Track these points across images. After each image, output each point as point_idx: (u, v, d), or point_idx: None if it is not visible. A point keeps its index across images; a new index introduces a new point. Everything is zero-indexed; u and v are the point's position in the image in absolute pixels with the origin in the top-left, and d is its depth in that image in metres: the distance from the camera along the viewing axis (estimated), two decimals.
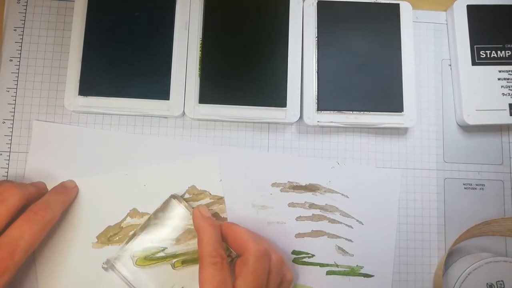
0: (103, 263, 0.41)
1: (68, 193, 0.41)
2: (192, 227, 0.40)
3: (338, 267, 0.43)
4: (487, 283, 0.41)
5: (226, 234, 0.38)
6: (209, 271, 0.34)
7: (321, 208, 0.44)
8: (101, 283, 0.42)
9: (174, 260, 0.41)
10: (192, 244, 0.42)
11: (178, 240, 0.41)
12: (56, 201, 0.39)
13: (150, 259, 0.41)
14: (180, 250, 0.41)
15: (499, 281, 0.41)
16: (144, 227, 0.41)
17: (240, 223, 0.43)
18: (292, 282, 0.39)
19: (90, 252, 0.42)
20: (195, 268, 0.40)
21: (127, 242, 0.41)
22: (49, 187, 0.42)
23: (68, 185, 0.42)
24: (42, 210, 0.36)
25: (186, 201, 0.43)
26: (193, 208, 0.41)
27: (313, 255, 0.43)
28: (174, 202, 0.41)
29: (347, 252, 0.43)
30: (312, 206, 0.44)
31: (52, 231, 0.42)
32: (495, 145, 0.46)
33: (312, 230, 0.44)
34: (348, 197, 0.44)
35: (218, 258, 0.35)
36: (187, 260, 0.41)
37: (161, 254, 0.41)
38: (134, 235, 0.41)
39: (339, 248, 0.43)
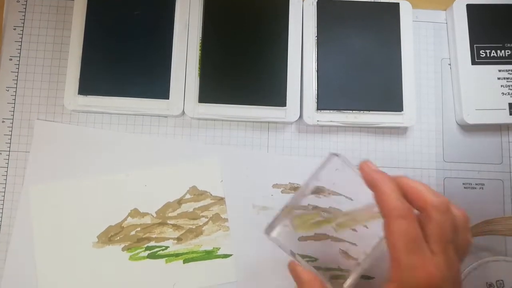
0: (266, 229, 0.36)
1: None
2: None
3: (342, 271, 0.43)
4: (486, 283, 0.41)
5: (402, 185, 0.32)
6: (399, 225, 0.29)
7: (324, 211, 0.44)
8: (102, 282, 0.42)
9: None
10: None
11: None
12: None
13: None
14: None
15: (499, 280, 0.41)
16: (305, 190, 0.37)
17: (240, 224, 0.43)
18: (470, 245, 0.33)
19: (91, 252, 0.42)
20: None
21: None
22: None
23: None
24: None
25: (186, 202, 0.43)
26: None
27: (316, 259, 0.43)
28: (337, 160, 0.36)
29: (351, 256, 0.43)
30: (315, 208, 0.44)
31: (53, 231, 0.42)
32: (494, 144, 0.46)
33: (315, 233, 0.44)
34: (352, 200, 0.44)
35: (406, 210, 0.30)
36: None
37: (319, 218, 0.39)
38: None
39: (343, 251, 0.43)
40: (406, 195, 0.32)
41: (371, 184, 0.33)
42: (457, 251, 0.30)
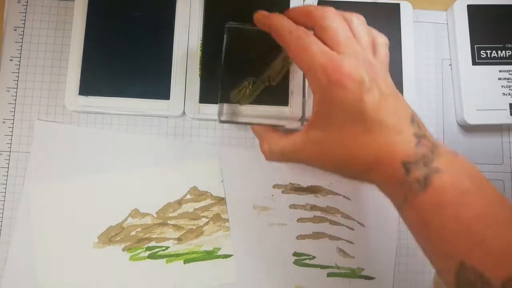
0: (218, 117, 0.39)
1: None
2: None
3: (339, 269, 0.43)
4: None
5: (290, 17, 0.34)
6: (296, 42, 0.31)
7: (322, 210, 0.44)
8: (102, 283, 0.42)
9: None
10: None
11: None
12: None
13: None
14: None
15: None
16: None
17: (241, 225, 0.43)
18: (387, 44, 0.35)
19: (91, 252, 0.42)
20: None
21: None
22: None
23: None
24: None
25: (186, 202, 0.43)
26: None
27: (314, 257, 0.43)
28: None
29: (348, 254, 0.43)
30: (313, 208, 0.44)
31: (53, 231, 0.42)
32: (495, 144, 0.46)
33: (313, 232, 0.44)
34: (349, 199, 0.44)
35: (300, 29, 0.32)
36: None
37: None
38: None
39: (340, 250, 0.43)
40: (297, 20, 0.33)
41: (267, 28, 0.35)
42: (370, 49, 0.32)
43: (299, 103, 0.42)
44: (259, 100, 0.40)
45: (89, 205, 0.42)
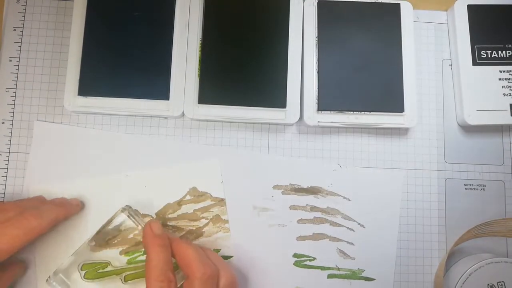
0: (49, 277, 0.38)
1: (66, 208, 0.40)
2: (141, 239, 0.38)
3: (339, 270, 0.43)
4: (488, 284, 0.41)
5: (175, 253, 0.36)
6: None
7: (322, 211, 0.44)
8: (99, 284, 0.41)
9: (124, 274, 0.40)
10: (141, 261, 0.41)
11: (126, 254, 0.41)
12: (50, 211, 0.38)
13: (99, 273, 0.39)
14: (129, 265, 0.41)
15: (500, 281, 0.41)
16: (92, 240, 0.39)
17: (241, 226, 0.43)
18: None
19: (89, 255, 0.41)
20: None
21: (74, 254, 0.39)
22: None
23: (70, 201, 0.41)
24: (30, 215, 0.36)
25: (186, 203, 0.43)
26: (143, 223, 0.39)
27: (314, 258, 0.43)
28: (123, 215, 0.39)
29: (349, 255, 0.43)
30: (313, 208, 0.44)
31: (52, 233, 0.41)
32: (496, 145, 0.46)
33: (313, 233, 0.44)
34: (350, 200, 0.44)
35: (165, 282, 0.33)
36: (137, 274, 0.40)
37: (110, 268, 0.40)
38: (82, 247, 0.39)
39: (341, 251, 0.43)
40: (176, 258, 0.35)
41: (145, 249, 0.36)
42: None
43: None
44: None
45: (88, 206, 0.42)
